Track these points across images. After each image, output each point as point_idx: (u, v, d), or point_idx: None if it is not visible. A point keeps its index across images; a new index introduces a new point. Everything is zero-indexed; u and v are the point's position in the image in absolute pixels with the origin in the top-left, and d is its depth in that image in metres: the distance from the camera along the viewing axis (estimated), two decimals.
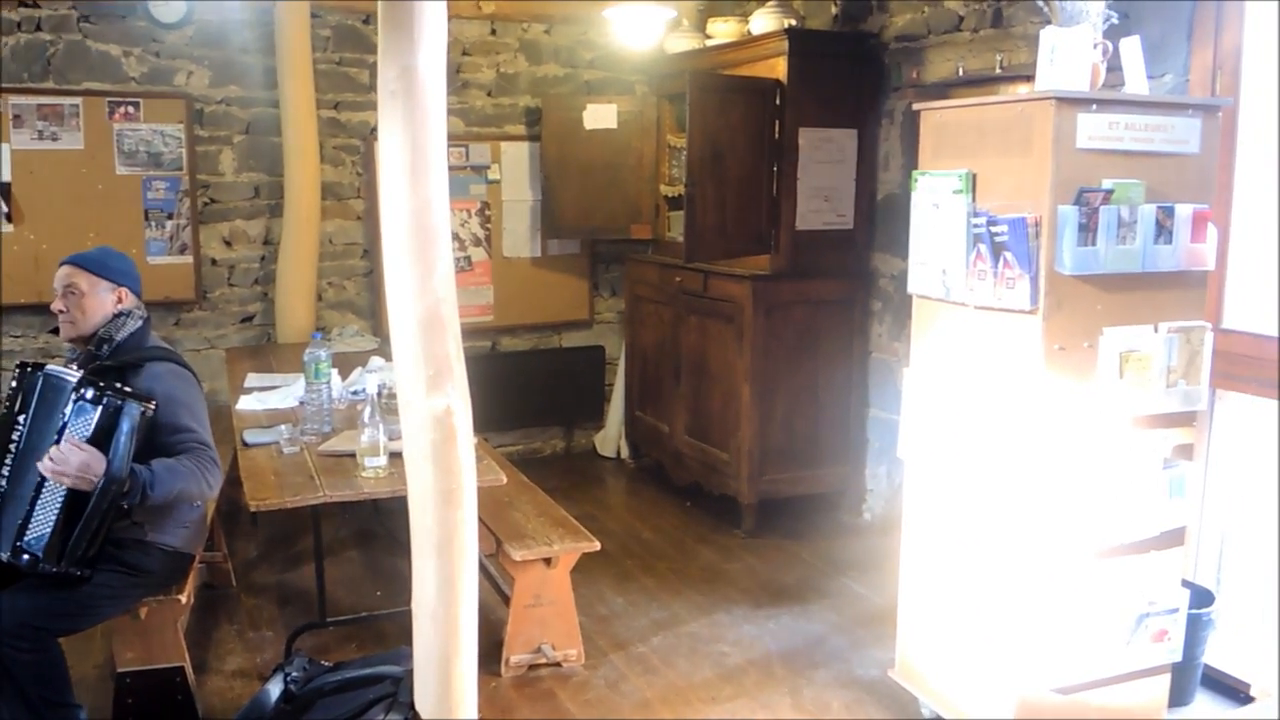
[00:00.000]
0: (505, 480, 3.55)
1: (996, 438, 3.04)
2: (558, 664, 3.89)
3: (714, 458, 5.38)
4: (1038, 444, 2.92)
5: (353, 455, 3.48)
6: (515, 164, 6.33)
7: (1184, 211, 2.96)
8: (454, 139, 6.15)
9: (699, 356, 5.47)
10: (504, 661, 3.83)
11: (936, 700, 3.41)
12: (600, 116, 6.11)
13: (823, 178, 5.07)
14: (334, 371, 4.14)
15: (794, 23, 5.11)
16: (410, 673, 2.53)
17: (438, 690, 2.46)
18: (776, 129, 5.00)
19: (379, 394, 3.75)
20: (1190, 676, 3.59)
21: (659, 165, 6.06)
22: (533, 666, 3.87)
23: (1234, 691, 3.66)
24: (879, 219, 5.22)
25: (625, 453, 6.49)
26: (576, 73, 6.43)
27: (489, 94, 6.26)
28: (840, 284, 5.21)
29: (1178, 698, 3.49)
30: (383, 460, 3.40)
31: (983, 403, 3.10)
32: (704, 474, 5.50)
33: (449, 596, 2.39)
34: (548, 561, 3.81)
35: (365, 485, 3.37)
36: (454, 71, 6.13)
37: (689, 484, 5.68)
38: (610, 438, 6.58)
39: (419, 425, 2.32)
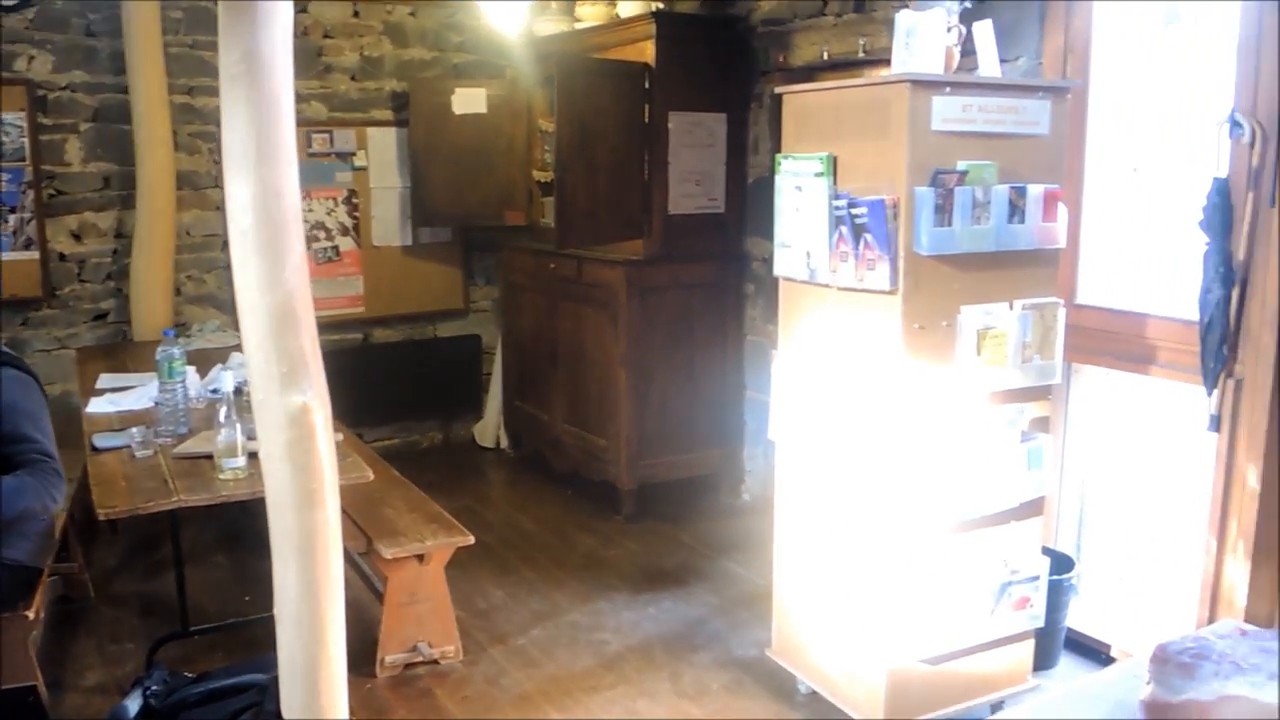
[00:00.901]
0: (372, 476, 3.46)
1: (861, 417, 3.09)
2: (435, 662, 3.82)
3: (593, 444, 5.37)
4: (900, 422, 2.97)
5: (210, 457, 3.35)
6: (383, 150, 6.18)
7: (1035, 191, 3.04)
8: (318, 125, 5.99)
9: (575, 343, 5.44)
10: (379, 662, 3.75)
11: (813, 676, 3.46)
12: (469, 101, 6.01)
13: (694, 161, 5.08)
14: (191, 369, 3.98)
15: (661, 6, 5.10)
16: (276, 680, 2.45)
17: (305, 697, 2.38)
18: (646, 113, 4.99)
19: (236, 392, 3.62)
20: (1054, 641, 3.73)
21: (531, 150, 5.99)
22: (409, 666, 3.80)
23: (1095, 653, 3.80)
24: (750, 202, 5.26)
25: (505, 442, 6.43)
26: (444, 56, 6.31)
27: (353, 78, 6.10)
28: (714, 267, 5.24)
29: (1042, 661, 3.61)
30: (241, 461, 3.28)
31: (848, 383, 3.14)
32: (584, 461, 5.48)
33: (312, 600, 2.31)
34: (421, 558, 3.73)
35: (224, 488, 3.25)
36: (315, 55, 5.96)
37: (569, 472, 5.66)
38: (489, 428, 6.51)
39: (275, 424, 2.23)
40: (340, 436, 3.80)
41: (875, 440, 3.04)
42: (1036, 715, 2.06)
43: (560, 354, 5.59)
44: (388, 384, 6.23)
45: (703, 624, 4.14)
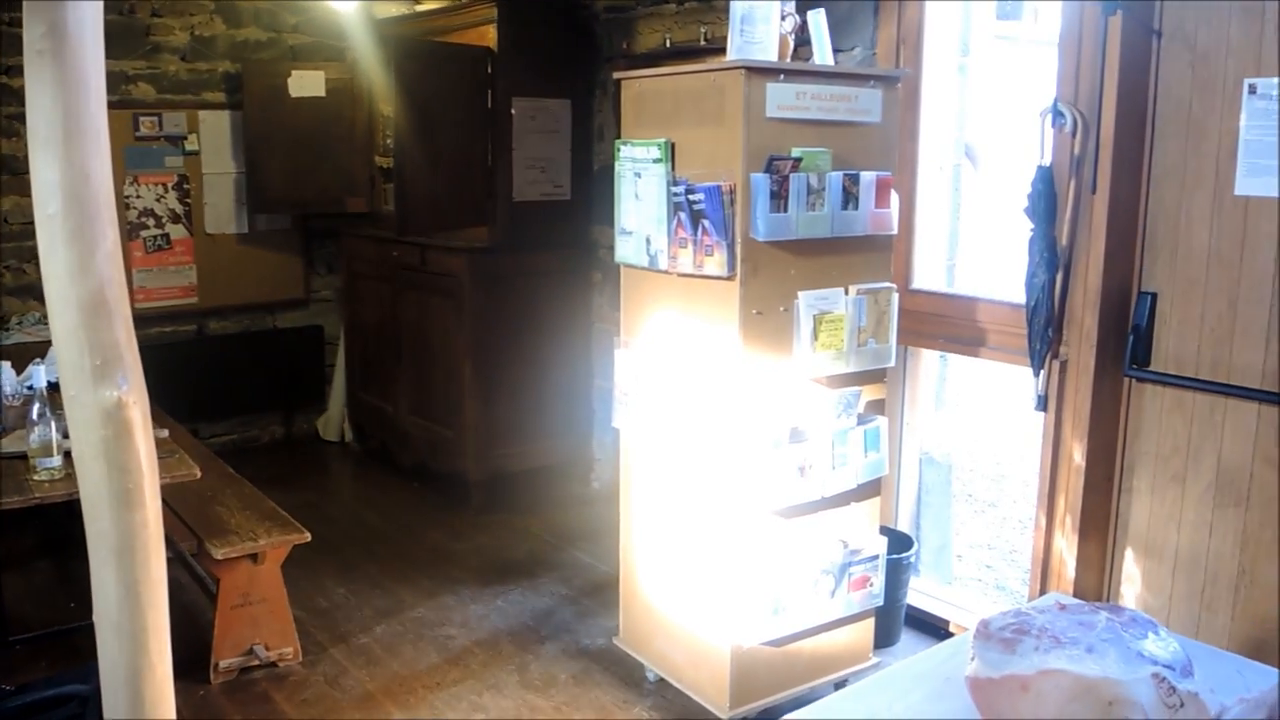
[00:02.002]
0: (199, 474, 3.30)
1: (701, 403, 3.09)
2: (273, 664, 3.68)
3: (440, 436, 5.26)
4: (739, 408, 2.98)
5: (24, 457, 3.14)
6: (216, 134, 5.91)
7: (868, 178, 3.09)
8: (145, 107, 5.69)
9: (420, 333, 5.32)
10: (213, 667, 3.59)
11: (660, 664, 3.46)
12: (307, 84, 5.80)
13: (539, 148, 5.01)
14: (7, 365, 3.73)
15: None
16: (98, 690, 2.30)
17: (128, 707, 2.24)
18: (489, 98, 4.89)
19: (51, 388, 3.39)
20: (895, 618, 3.82)
21: (372, 135, 5.83)
22: (245, 670, 3.65)
23: (935, 629, 3.91)
24: (596, 190, 5.23)
25: (349, 436, 6.25)
26: (280, 37, 6.07)
27: (183, 58, 5.81)
28: (561, 255, 5.19)
29: (883, 639, 3.70)
30: (57, 461, 3.09)
31: (689, 370, 3.14)
32: (431, 453, 5.37)
33: (134, 604, 2.17)
34: (254, 558, 3.58)
35: (38, 490, 3.05)
36: (142, 34, 5.65)
37: (416, 464, 5.53)
38: (333, 421, 6.31)
39: (87, 421, 2.08)
40: (165, 432, 3.63)
41: (715, 426, 3.05)
42: (864, 695, 2.08)
43: (405, 344, 5.45)
44: (225, 377, 5.97)
45: (551, 615, 4.10)
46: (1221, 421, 3.06)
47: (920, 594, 3.98)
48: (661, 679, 3.48)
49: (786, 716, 2.02)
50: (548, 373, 5.23)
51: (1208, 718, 1.74)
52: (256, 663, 3.65)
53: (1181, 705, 1.69)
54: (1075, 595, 3.35)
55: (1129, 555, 3.31)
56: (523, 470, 5.29)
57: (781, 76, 2.91)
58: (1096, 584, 3.38)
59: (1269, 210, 2.90)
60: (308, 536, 3.66)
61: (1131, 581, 3.31)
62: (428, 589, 4.30)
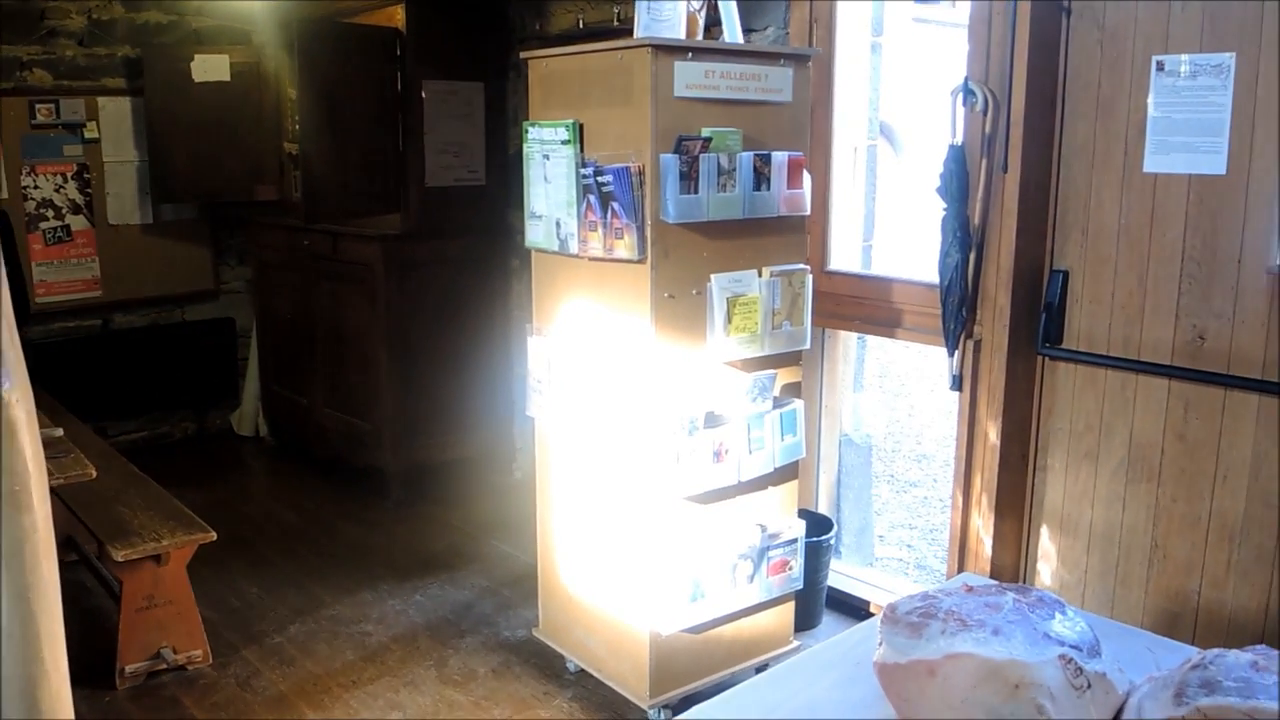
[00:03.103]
0: (94, 474, 3.16)
1: (615, 389, 3.04)
2: (182, 668, 3.56)
3: (357, 429, 5.14)
4: (653, 394, 2.93)
5: None
6: (116, 121, 5.71)
7: (780, 158, 3.05)
8: (41, 94, 5.48)
9: (334, 324, 5.19)
10: (119, 673, 3.46)
11: (581, 654, 3.41)
12: (211, 68, 5.61)
13: (452, 132, 4.91)
14: None
15: None
16: None
17: (25, 716, 2.13)
18: (399, 81, 4.77)
19: None
20: (816, 601, 3.81)
21: (281, 120, 5.67)
22: (153, 674, 3.53)
23: (857, 610, 3.91)
24: (512, 175, 5.12)
25: (264, 430, 6.09)
26: (183, 20, 5.87)
27: (80, 43, 5.59)
28: (477, 242, 5.09)
29: (805, 622, 3.69)
30: None
31: (602, 356, 3.08)
32: (348, 447, 5.24)
33: (25, 611, 2.07)
34: (158, 559, 3.45)
35: None
36: (37, 18, 5.43)
37: (333, 458, 5.41)
38: (247, 416, 6.15)
39: None
40: (59, 431, 3.48)
41: (629, 412, 3.00)
42: (775, 683, 2.05)
43: (319, 335, 5.31)
44: (133, 373, 5.79)
45: (471, 608, 4.02)
46: (1133, 398, 3.09)
47: (842, 576, 3.98)
48: (582, 669, 3.42)
49: (695, 708, 1.98)
50: (466, 361, 5.13)
51: (1116, 697, 1.73)
52: (164, 666, 3.53)
53: (1089, 686, 1.67)
54: (992, 574, 3.36)
55: (1044, 532, 3.33)
56: (442, 461, 5.19)
57: (689, 55, 2.85)
58: (1013, 562, 3.40)
59: (1177, 187, 2.92)
60: (213, 535, 3.53)
61: (1047, 559, 3.33)
62: (344, 585, 4.19)
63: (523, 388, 5.19)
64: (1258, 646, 1.77)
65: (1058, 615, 1.77)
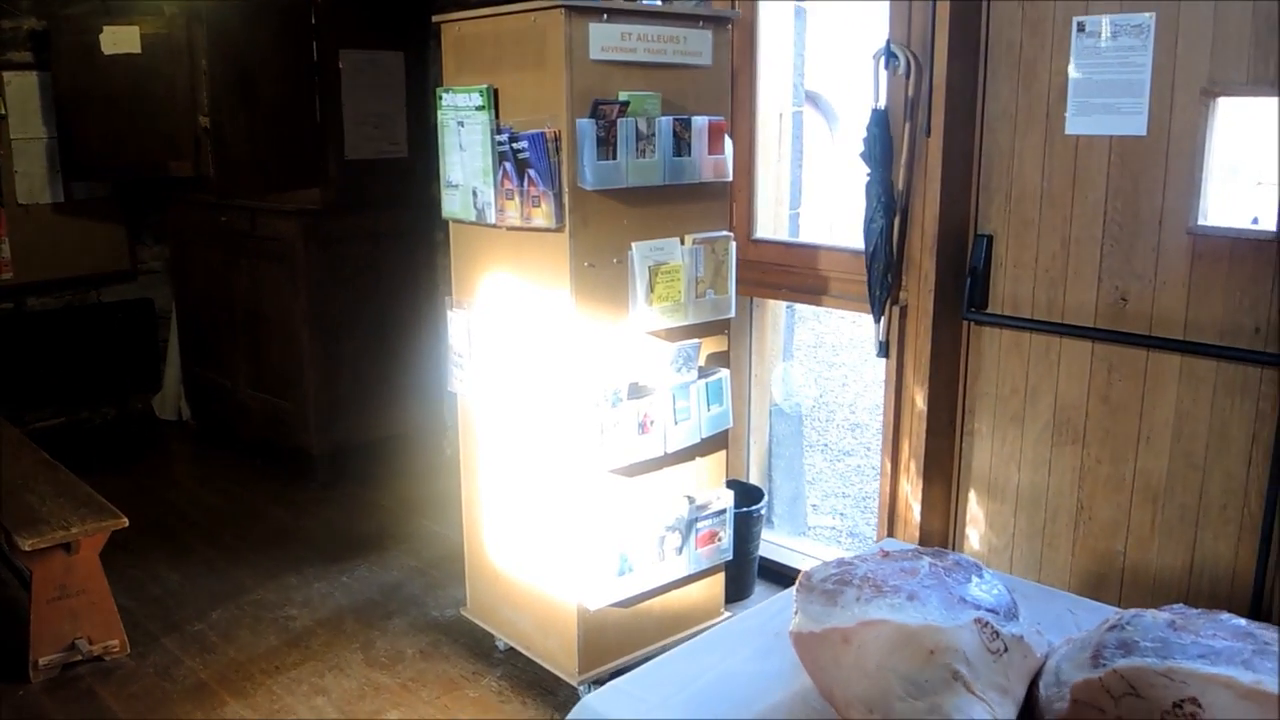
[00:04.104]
0: None
1: (538, 363, 2.97)
2: (98, 658, 3.45)
3: (281, 410, 5.01)
4: (575, 365, 2.86)
5: None
6: (23, 97, 5.47)
7: (700, 123, 2.98)
8: None
9: (255, 302, 5.05)
10: (32, 665, 3.34)
11: (509, 632, 3.35)
12: (121, 40, 5.40)
13: (371, 103, 4.78)
14: None
15: None
16: None
17: None
18: (314, 50, 4.63)
19: None
20: (747, 571, 3.78)
21: (195, 93, 5.47)
22: (68, 666, 3.41)
23: (789, 580, 3.87)
24: (435, 146, 4.99)
25: (187, 414, 5.92)
26: None
27: None
28: (401, 215, 4.97)
29: (737, 593, 3.66)
30: None
31: (523, 328, 3.00)
32: (272, 428, 5.12)
33: None
34: (68, 547, 3.33)
35: None
36: None
37: (257, 440, 5.27)
38: (169, 399, 5.97)
39: None
40: None
41: (552, 385, 2.93)
42: (694, 655, 2.01)
43: (240, 315, 5.17)
44: (48, 358, 5.60)
45: (399, 589, 3.94)
46: (1057, 361, 3.08)
47: (774, 545, 3.96)
48: (511, 648, 3.37)
49: (610, 684, 1.93)
50: (393, 338, 5.03)
51: (1034, 660, 1.71)
52: (80, 658, 3.42)
53: (1006, 649, 1.65)
54: (921, 540, 3.35)
55: (972, 497, 3.33)
56: (371, 441, 5.09)
57: (604, 16, 2.77)
58: (942, 527, 3.39)
59: (1099, 149, 2.91)
60: (125, 522, 3.42)
61: (976, 523, 3.33)
62: (268, 569, 4.09)
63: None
64: (1175, 606, 1.76)
65: (974, 579, 1.74)
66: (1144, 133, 2.82)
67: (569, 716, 1.94)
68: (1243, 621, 1.71)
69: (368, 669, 3.40)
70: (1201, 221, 2.77)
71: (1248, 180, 2.94)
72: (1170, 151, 2.78)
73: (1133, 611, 1.73)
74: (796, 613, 1.75)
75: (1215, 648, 1.57)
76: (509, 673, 3.35)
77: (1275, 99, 2.60)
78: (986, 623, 1.64)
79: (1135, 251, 2.88)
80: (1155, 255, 2.84)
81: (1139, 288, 2.88)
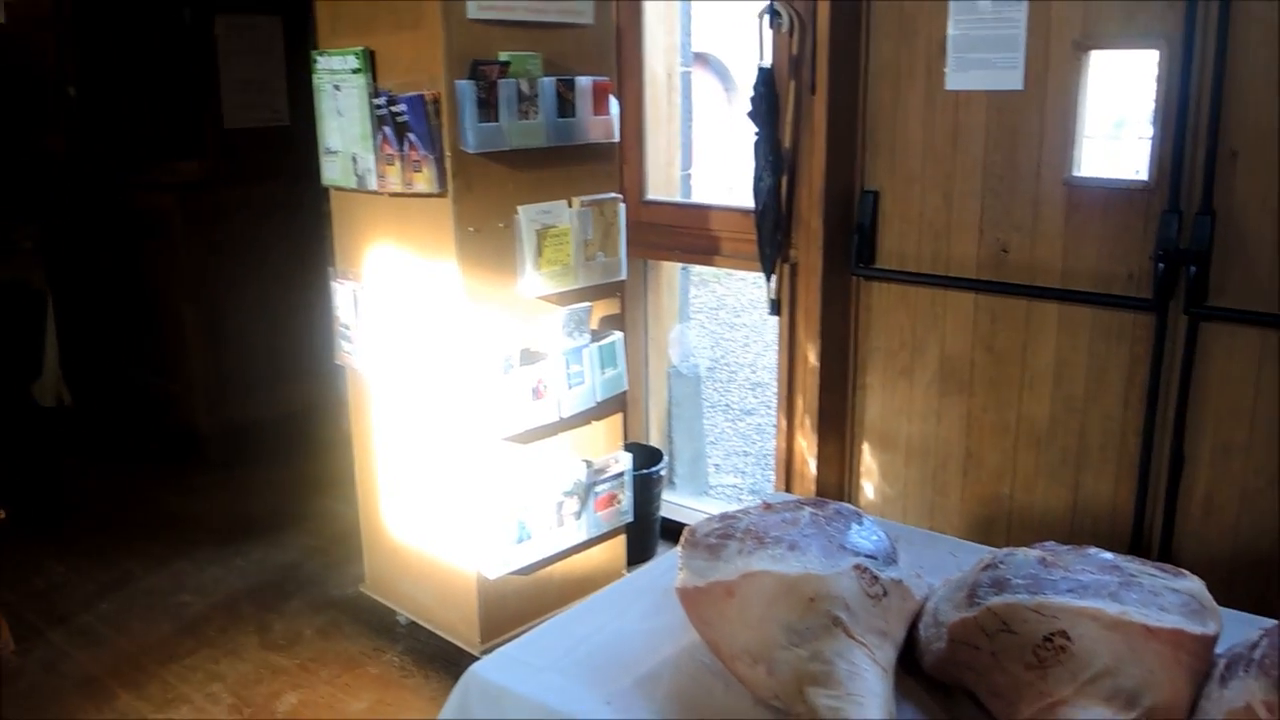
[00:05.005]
0: None
1: (426, 331, 2.92)
2: None
3: (167, 391, 4.86)
4: (464, 333, 2.82)
5: None
6: None
7: (584, 83, 2.95)
8: None
9: (134, 280, 4.87)
10: None
11: (410, 606, 3.32)
12: None
13: (250, 69, 4.62)
14: None
15: None
16: None
17: None
18: (186, 15, 4.45)
19: None
20: (649, 533, 3.79)
21: (64, 63, 5.22)
22: None
23: None
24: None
25: (68, 399, 5.69)
26: None
27: None
28: (285, 186, 4.82)
29: (640, 555, 3.67)
30: None
31: (410, 297, 2.95)
32: (159, 411, 4.96)
33: None
34: None
35: None
36: None
37: (144, 424, 5.10)
38: (49, 385, 5.72)
39: None
40: None
41: (441, 354, 2.88)
42: (585, 616, 2.01)
43: (120, 294, 4.98)
44: None
45: (297, 569, 3.87)
46: (943, 313, 3.14)
47: (676, 506, 3.98)
48: (412, 621, 3.33)
49: (500, 649, 1.92)
50: (283, 313, 4.90)
51: (913, 603, 1.74)
52: None
53: (885, 594, 1.67)
54: (818, 493, 3.40)
55: (866, 449, 3.38)
56: (265, 419, 4.96)
57: None
58: (837, 480, 3.44)
59: (978, 104, 2.95)
60: (1, 514, 3.28)
61: (870, 474, 3.38)
62: (160, 556, 3.97)
63: None
64: (1046, 543, 1.80)
65: (854, 526, 1.76)
66: (1021, 87, 2.87)
67: (456, 687, 1.92)
68: (1110, 555, 1.76)
69: (265, 652, 3.34)
70: (1077, 173, 2.83)
71: (1133, 133, 3.02)
72: (1046, 105, 2.84)
73: (1006, 550, 1.77)
74: (681, 568, 1.76)
75: (1083, 581, 1.62)
76: (411, 647, 3.32)
77: (1145, 51, 2.67)
78: (865, 569, 1.66)
79: (1014, 203, 2.93)
80: (1033, 206, 2.90)
81: (1019, 239, 2.94)
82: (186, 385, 4.71)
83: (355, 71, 2.85)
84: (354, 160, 2.93)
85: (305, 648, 3.35)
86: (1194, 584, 1.73)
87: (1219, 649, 1.69)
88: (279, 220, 4.82)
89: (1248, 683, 1.54)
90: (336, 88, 2.93)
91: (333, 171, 3.04)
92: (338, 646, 3.35)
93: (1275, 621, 1.69)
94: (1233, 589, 2.54)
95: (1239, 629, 1.75)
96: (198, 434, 4.77)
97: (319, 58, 2.99)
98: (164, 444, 5.01)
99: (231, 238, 4.65)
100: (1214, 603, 1.72)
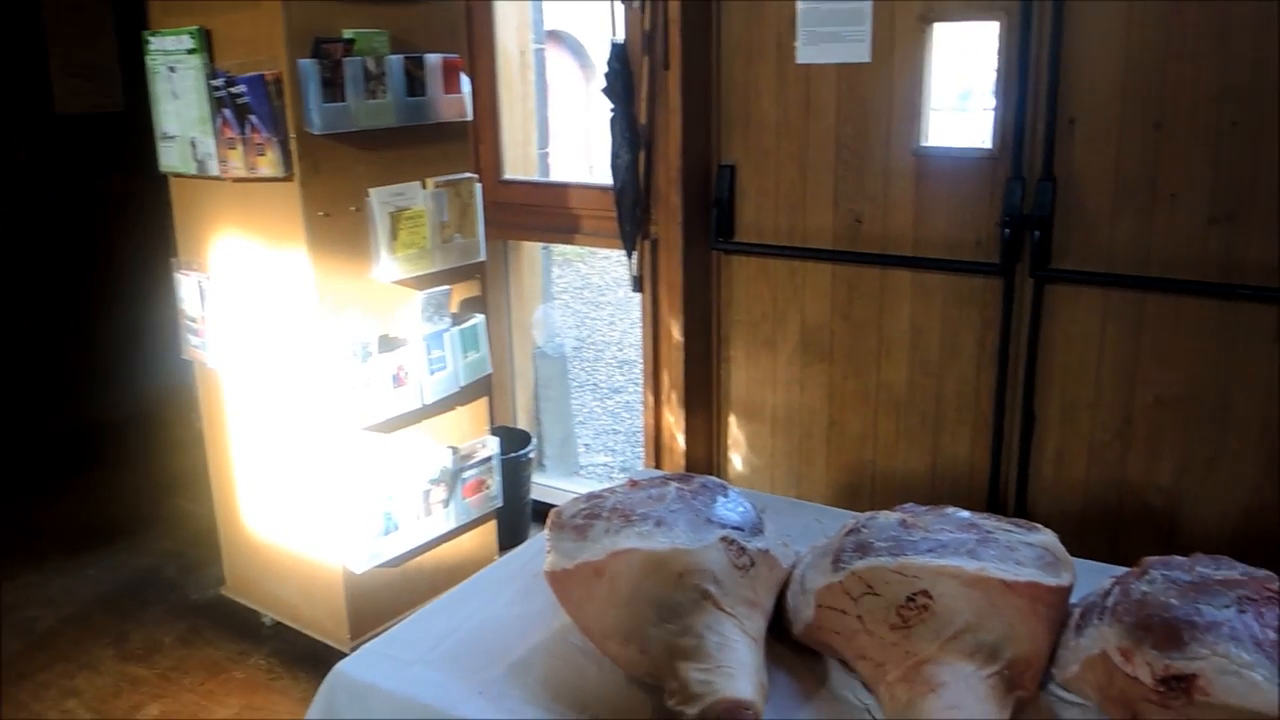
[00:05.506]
0: None
1: (279, 321, 2.81)
2: None
3: (8, 393, 4.58)
4: (319, 321, 2.73)
5: None
6: None
7: (434, 61, 2.87)
8: None
9: None
10: None
11: (275, 607, 3.21)
12: None
13: (80, 53, 4.37)
14: None
15: None
16: None
17: None
18: None
19: None
20: (521, 517, 3.76)
21: None
22: None
23: None
24: None
25: None
26: None
27: None
28: (123, 175, 4.58)
29: (512, 539, 3.62)
30: None
31: (260, 286, 2.84)
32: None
33: None
34: None
35: None
36: None
37: None
38: None
39: None
40: None
41: (296, 344, 2.79)
42: (454, 604, 1.97)
43: None
44: None
45: (153, 574, 3.70)
46: (802, 285, 3.18)
47: (547, 488, 3.95)
48: (278, 622, 3.22)
49: (366, 645, 1.86)
50: (127, 309, 4.67)
51: (781, 571, 1.76)
52: None
53: (752, 564, 1.68)
54: (687, 467, 3.41)
55: (733, 421, 3.41)
56: (112, 420, 4.73)
57: None
58: (706, 453, 3.47)
59: (828, 77, 2.99)
60: None
61: (738, 446, 3.42)
62: (3, 570, 3.75)
63: None
64: (906, 505, 1.84)
65: (720, 499, 1.77)
66: (869, 59, 2.92)
67: (321, 688, 1.86)
68: (967, 514, 1.81)
69: (123, 664, 3.19)
70: (925, 143, 2.90)
71: (978, 104, 3.10)
72: (894, 77, 2.89)
73: (868, 515, 1.80)
74: (549, 551, 1.73)
75: (943, 541, 1.66)
76: (278, 648, 3.21)
77: (986, 23, 2.74)
78: (732, 540, 1.67)
79: (866, 174, 2.99)
80: (884, 177, 2.96)
81: (871, 209, 3.00)
82: (25, 388, 4.45)
83: (191, 52, 2.72)
84: (193, 145, 2.80)
85: (166, 656, 3.21)
86: (1048, 537, 1.79)
87: (1074, 599, 1.75)
88: (117, 211, 4.58)
89: (1102, 630, 1.60)
90: (171, 69, 2.79)
91: (170, 157, 2.90)
92: (200, 653, 3.22)
93: (1125, 569, 1.76)
94: (1084, 540, 2.66)
95: (1092, 578, 1.82)
96: (40, 438, 4.52)
97: (151, 38, 2.84)
98: (4, 449, 4.73)
99: (65, 230, 4.41)
100: (1067, 554, 1.78)
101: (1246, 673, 1.41)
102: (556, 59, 8.79)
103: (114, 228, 4.59)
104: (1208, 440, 2.61)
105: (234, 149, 2.69)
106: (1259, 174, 2.43)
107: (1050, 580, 1.67)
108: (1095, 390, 2.74)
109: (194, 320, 3.05)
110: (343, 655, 2.95)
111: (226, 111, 2.67)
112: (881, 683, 1.65)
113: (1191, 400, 2.62)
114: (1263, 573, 1.64)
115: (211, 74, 2.70)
